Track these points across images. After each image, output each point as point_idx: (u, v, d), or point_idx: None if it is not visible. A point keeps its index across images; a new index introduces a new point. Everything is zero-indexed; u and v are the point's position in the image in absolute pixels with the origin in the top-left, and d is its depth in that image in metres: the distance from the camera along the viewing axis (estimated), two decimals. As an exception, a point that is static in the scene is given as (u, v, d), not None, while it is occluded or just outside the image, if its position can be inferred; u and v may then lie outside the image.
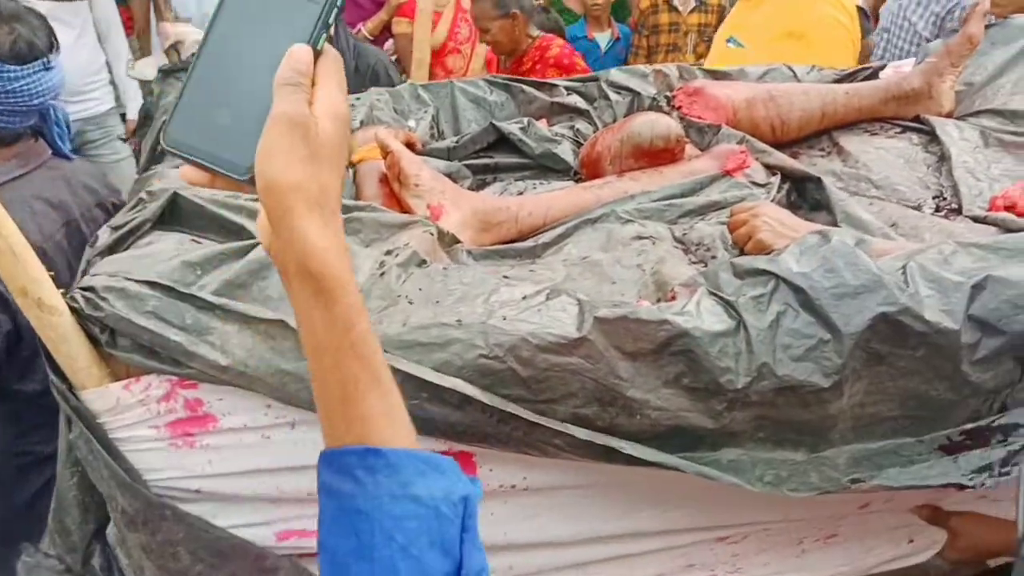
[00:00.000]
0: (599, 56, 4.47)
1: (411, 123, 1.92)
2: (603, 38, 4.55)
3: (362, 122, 1.81)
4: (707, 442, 1.15)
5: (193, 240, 1.23)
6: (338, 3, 0.67)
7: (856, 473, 1.16)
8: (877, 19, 3.28)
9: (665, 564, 1.32)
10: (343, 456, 0.64)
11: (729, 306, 1.12)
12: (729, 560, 1.35)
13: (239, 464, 1.12)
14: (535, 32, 3.43)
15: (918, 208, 1.68)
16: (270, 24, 0.66)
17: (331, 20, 0.67)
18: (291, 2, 0.66)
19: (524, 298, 1.14)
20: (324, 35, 0.66)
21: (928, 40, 2.93)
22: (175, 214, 1.27)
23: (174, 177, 1.44)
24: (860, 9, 2.94)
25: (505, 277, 1.23)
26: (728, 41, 2.67)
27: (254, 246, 1.17)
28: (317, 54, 0.65)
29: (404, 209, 1.56)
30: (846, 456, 1.17)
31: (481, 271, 1.24)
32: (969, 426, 1.17)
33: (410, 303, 1.14)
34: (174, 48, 1.98)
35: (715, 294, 1.14)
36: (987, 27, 2.03)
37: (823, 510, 1.33)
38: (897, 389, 1.14)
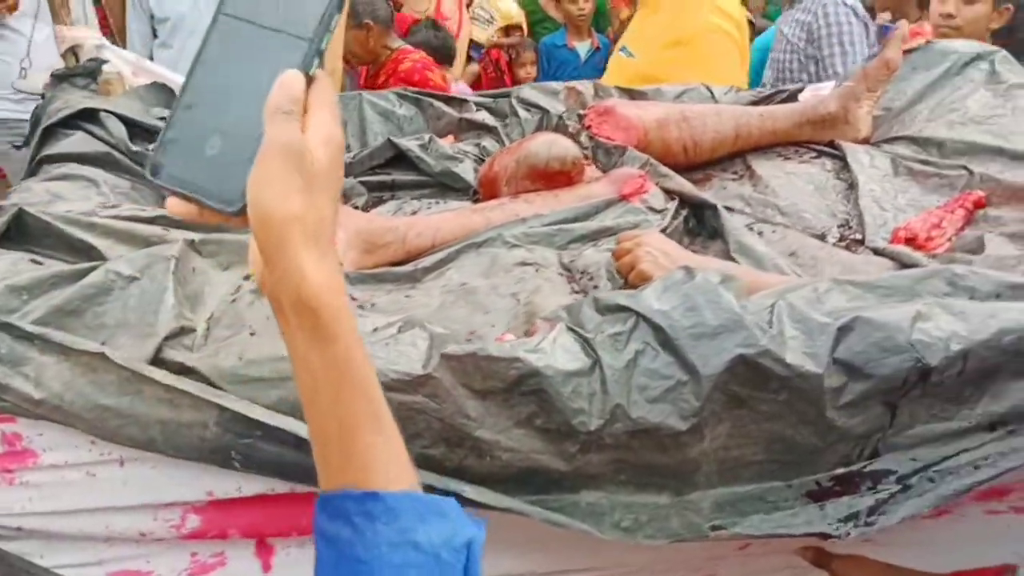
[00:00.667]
0: (578, 65, 4.47)
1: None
2: (583, 48, 4.55)
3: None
4: (564, 485, 1.10)
5: (33, 260, 1.16)
6: (331, 27, 0.64)
7: (719, 519, 1.11)
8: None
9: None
10: (340, 501, 0.61)
11: (586, 343, 1.07)
12: (601, 602, 1.30)
13: (63, 503, 1.05)
14: (395, 43, 3.32)
15: (822, 237, 1.65)
16: (261, 50, 0.64)
17: (323, 45, 0.64)
18: (282, 27, 0.64)
19: (375, 330, 1.09)
20: (317, 60, 0.64)
21: (800, 47, 2.93)
22: (21, 231, 1.21)
23: (38, 191, 1.38)
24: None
25: (360, 308, 1.18)
26: (620, 50, 2.64)
27: (92, 269, 1.10)
28: (310, 79, 0.63)
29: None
30: (711, 501, 1.13)
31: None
32: (839, 472, 1.13)
33: (252, 334, 1.08)
34: (72, 52, 1.90)
35: (574, 330, 1.09)
36: (908, 52, 2.00)
37: (701, 551, 1.28)
38: (761, 433, 1.10)
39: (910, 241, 1.54)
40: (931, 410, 1.12)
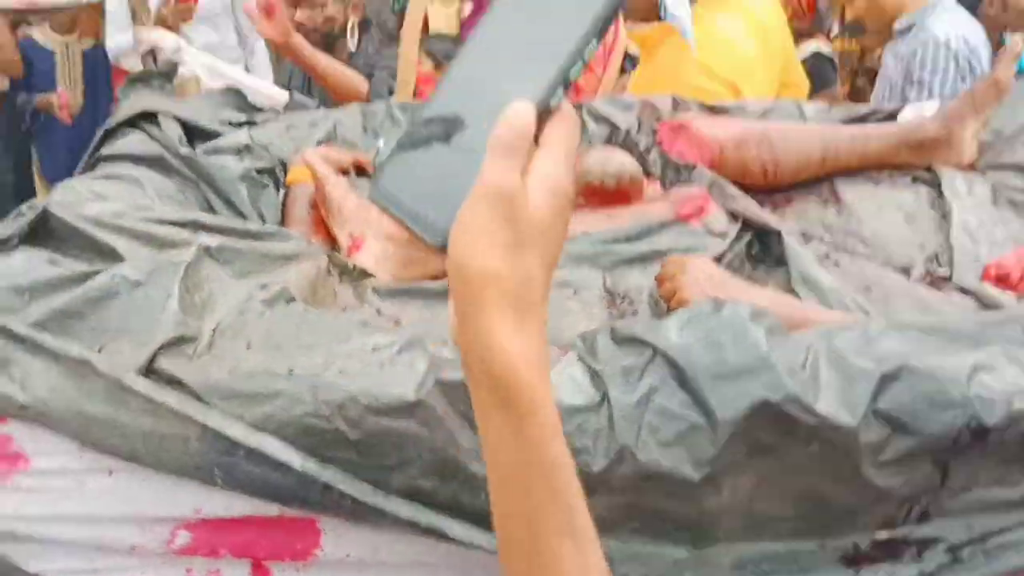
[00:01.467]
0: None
1: (380, 143, 1.82)
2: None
3: (319, 141, 1.73)
4: (571, 528, 1.01)
5: (51, 261, 1.16)
6: (584, 56, 0.55)
7: (739, 579, 1.01)
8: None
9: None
10: None
11: (596, 376, 0.99)
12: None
13: (53, 508, 1.03)
14: None
15: (907, 272, 1.50)
16: (507, 73, 0.56)
17: (571, 75, 0.55)
18: (535, 50, 0.55)
19: (374, 350, 1.03)
20: (561, 90, 0.54)
21: (898, 83, 2.63)
22: (47, 231, 1.21)
23: (80, 190, 1.39)
24: (824, 57, 2.70)
25: (363, 323, 1.12)
26: None
27: (99, 272, 1.09)
28: (548, 112, 0.54)
29: (331, 237, 1.47)
30: (732, 557, 1.02)
31: (340, 315, 1.13)
32: (882, 536, 1.01)
33: (248, 347, 1.04)
34: (151, 55, 1.93)
35: (584, 361, 1.01)
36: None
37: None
38: (790, 487, 0.98)
39: (1001, 280, 1.39)
40: (992, 474, 0.98)
